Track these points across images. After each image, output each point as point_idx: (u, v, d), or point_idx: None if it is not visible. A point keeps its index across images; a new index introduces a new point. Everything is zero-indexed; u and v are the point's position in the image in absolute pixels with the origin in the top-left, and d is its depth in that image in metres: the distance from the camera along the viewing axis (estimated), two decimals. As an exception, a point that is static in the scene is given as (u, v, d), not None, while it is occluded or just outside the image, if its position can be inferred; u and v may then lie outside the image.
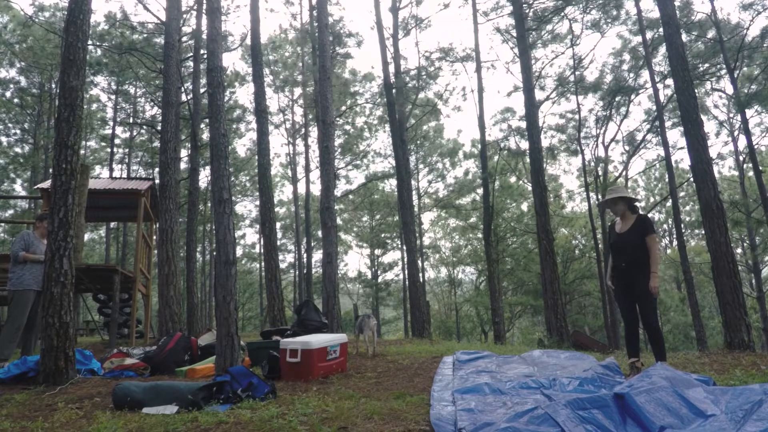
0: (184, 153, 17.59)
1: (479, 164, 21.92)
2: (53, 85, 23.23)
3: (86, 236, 25.51)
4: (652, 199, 31.57)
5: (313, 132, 24.09)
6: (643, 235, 4.51)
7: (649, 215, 31.26)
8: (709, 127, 21.79)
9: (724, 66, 16.73)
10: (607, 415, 2.59)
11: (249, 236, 60.04)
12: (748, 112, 17.15)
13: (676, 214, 17.15)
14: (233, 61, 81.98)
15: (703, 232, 9.77)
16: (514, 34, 16.12)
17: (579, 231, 27.85)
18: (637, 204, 4.89)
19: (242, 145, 56.65)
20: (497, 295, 18.98)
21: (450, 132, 69.27)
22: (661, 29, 11.48)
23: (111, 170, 25.66)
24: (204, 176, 22.13)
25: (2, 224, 28.21)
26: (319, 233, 19.23)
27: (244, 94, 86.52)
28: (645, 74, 18.92)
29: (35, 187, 12.87)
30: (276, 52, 26.40)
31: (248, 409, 3.36)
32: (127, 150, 27.09)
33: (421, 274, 20.82)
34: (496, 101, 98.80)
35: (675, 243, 29.98)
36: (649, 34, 17.40)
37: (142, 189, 10.02)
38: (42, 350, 4.61)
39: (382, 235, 31.80)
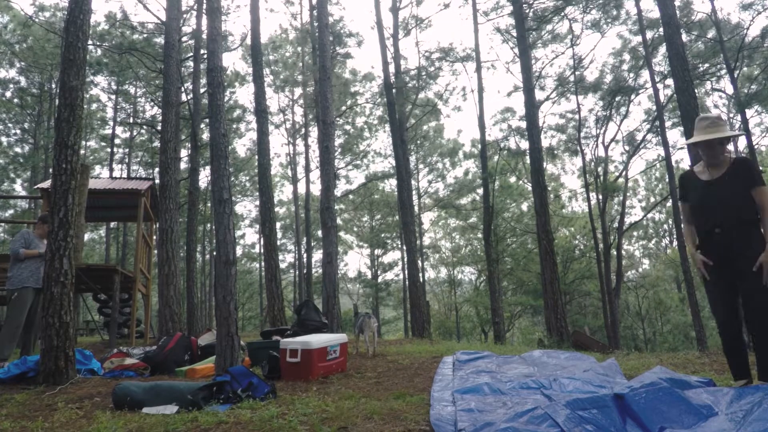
0: (184, 153, 17.59)
1: (479, 164, 21.92)
2: (53, 85, 23.25)
3: (86, 236, 25.53)
4: (652, 199, 31.58)
5: (313, 132, 24.10)
6: (748, 188, 3.20)
7: (649, 215, 31.58)
8: (709, 127, 21.73)
9: (724, 66, 16.72)
10: (607, 416, 2.59)
11: (249, 236, 60.22)
12: (748, 112, 17.14)
13: (676, 214, 17.11)
14: (233, 61, 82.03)
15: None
16: (514, 34, 16.12)
17: (579, 231, 27.84)
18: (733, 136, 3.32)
19: (242, 145, 56.72)
20: (497, 295, 18.98)
21: (450, 132, 69.15)
22: (661, 29, 11.49)
23: (111, 170, 25.69)
24: (204, 176, 22.16)
25: (2, 224, 28.23)
26: (319, 233, 19.23)
27: (244, 94, 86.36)
28: (645, 74, 18.94)
29: (35, 187, 12.88)
30: (276, 52, 26.40)
31: (248, 409, 3.36)
32: (127, 150, 27.10)
33: (421, 274, 20.81)
34: (496, 101, 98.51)
35: (675, 243, 30.00)
36: (649, 34, 17.41)
37: (142, 189, 10.04)
38: (42, 350, 4.61)
39: (382, 235, 31.79)
